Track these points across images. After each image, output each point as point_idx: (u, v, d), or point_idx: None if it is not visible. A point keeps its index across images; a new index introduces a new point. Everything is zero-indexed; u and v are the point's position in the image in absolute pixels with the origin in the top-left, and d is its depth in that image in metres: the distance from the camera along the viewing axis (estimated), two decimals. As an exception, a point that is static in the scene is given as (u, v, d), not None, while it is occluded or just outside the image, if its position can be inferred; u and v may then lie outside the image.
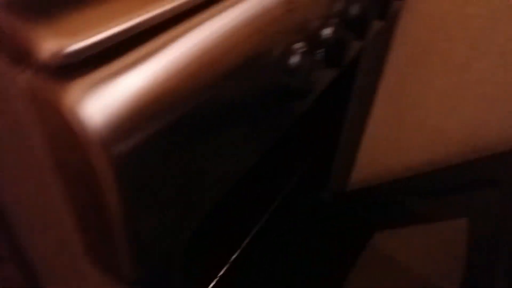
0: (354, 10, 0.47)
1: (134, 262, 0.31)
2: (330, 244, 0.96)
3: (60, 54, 0.22)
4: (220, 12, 0.32)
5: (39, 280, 0.45)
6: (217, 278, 0.69)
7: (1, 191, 0.36)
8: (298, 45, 0.39)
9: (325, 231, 0.98)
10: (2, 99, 0.25)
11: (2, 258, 0.40)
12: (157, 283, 0.38)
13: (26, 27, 0.23)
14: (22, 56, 0.23)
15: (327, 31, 0.43)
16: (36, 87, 0.23)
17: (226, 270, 0.71)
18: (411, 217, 0.94)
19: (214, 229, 0.67)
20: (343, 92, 0.79)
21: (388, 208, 0.97)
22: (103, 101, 0.23)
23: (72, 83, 0.23)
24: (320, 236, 0.97)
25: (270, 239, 0.85)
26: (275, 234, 0.86)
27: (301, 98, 0.42)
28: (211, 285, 0.67)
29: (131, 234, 0.29)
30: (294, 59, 0.39)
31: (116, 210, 0.27)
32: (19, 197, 0.35)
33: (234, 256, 0.73)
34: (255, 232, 0.78)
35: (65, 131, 0.23)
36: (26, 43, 0.22)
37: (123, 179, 0.26)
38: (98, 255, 0.33)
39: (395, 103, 0.87)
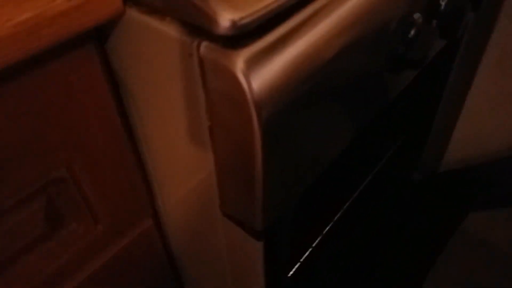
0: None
1: (265, 213, 0.37)
2: (419, 225, 0.97)
3: (236, 26, 0.28)
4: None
5: (170, 237, 0.53)
6: (311, 249, 0.74)
7: (150, 144, 0.43)
8: (416, 15, 0.42)
9: (414, 211, 0.99)
10: (179, 66, 0.31)
11: (143, 212, 0.48)
12: (277, 236, 0.44)
13: (205, 5, 0.28)
14: (201, 28, 0.29)
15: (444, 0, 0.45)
16: (214, 54, 0.29)
17: (318, 241, 0.76)
18: (509, 199, 0.92)
19: (308, 207, 0.72)
20: (443, 66, 0.79)
21: (485, 189, 0.96)
22: (266, 67, 0.29)
23: (243, 50, 0.28)
24: (410, 217, 0.98)
25: (360, 217, 0.89)
26: (365, 212, 0.89)
27: (414, 67, 0.45)
28: (305, 255, 0.72)
29: (267, 186, 0.35)
30: (412, 29, 0.42)
31: (258, 163, 0.33)
32: (165, 151, 0.42)
33: (325, 230, 0.77)
34: (345, 209, 0.81)
35: (234, 90, 0.29)
36: (205, 18, 0.28)
37: (268, 135, 0.31)
38: (232, 207, 0.39)
39: (499, 77, 0.85)
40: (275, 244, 0.43)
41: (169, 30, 0.30)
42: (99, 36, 0.36)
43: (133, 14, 0.33)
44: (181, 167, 0.42)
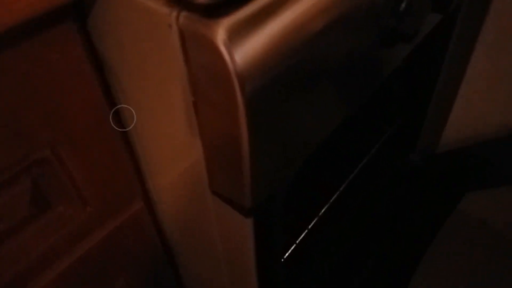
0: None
1: (254, 190, 0.36)
2: (417, 205, 0.97)
3: (214, -6, 0.27)
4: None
5: (162, 220, 0.53)
6: (306, 231, 0.73)
7: (137, 127, 0.43)
8: (406, -13, 0.41)
9: (412, 193, 0.98)
10: (160, 38, 0.31)
11: (133, 194, 0.48)
12: (267, 215, 0.44)
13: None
14: (180, -2, 0.28)
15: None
16: (194, 24, 0.28)
17: (314, 223, 0.75)
18: (507, 178, 0.92)
19: (303, 187, 0.71)
20: (438, 47, 0.78)
21: (482, 169, 0.96)
22: (250, 38, 0.28)
23: (225, 19, 0.27)
24: (407, 198, 0.98)
25: (357, 199, 0.88)
26: (362, 194, 0.89)
27: (406, 41, 0.44)
28: (300, 238, 0.72)
29: (254, 163, 0.34)
30: (403, 1, 0.41)
31: (244, 139, 0.32)
32: (152, 130, 0.41)
33: (321, 212, 0.77)
34: (342, 191, 0.81)
35: (216, 62, 0.28)
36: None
37: (253, 110, 0.31)
38: (221, 185, 0.39)
39: (495, 57, 0.84)
40: (266, 222, 0.43)
41: (147, 1, 0.29)
42: (80, 13, 0.35)
43: (112, -13, 0.32)
44: (169, 146, 0.41)
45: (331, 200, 0.77)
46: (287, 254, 0.65)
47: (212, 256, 0.52)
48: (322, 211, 0.75)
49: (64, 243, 0.44)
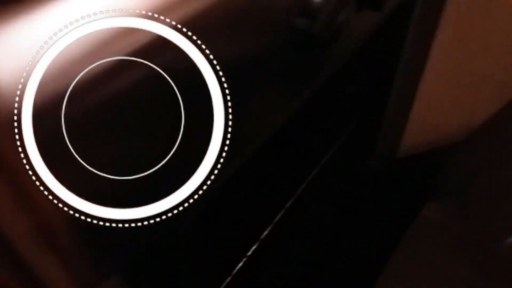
0: None
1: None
2: (377, 213, 0.93)
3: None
4: None
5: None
6: (256, 245, 0.68)
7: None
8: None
9: (372, 200, 0.95)
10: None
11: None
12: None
13: None
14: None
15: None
16: None
17: (265, 236, 0.70)
18: (467, 182, 0.88)
19: (250, 196, 0.66)
20: (394, 46, 0.74)
21: (444, 173, 0.92)
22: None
23: None
24: (367, 205, 0.95)
25: (313, 205, 0.84)
26: (318, 201, 0.85)
27: (322, 44, 0.38)
28: (252, 249, 0.67)
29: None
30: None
31: None
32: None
33: (272, 224, 0.72)
34: (295, 199, 0.76)
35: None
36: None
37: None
38: None
39: (454, 55, 0.80)
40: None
41: None
42: None
43: None
44: None
45: (280, 213, 0.72)
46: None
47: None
48: (273, 223, 0.70)
49: None
